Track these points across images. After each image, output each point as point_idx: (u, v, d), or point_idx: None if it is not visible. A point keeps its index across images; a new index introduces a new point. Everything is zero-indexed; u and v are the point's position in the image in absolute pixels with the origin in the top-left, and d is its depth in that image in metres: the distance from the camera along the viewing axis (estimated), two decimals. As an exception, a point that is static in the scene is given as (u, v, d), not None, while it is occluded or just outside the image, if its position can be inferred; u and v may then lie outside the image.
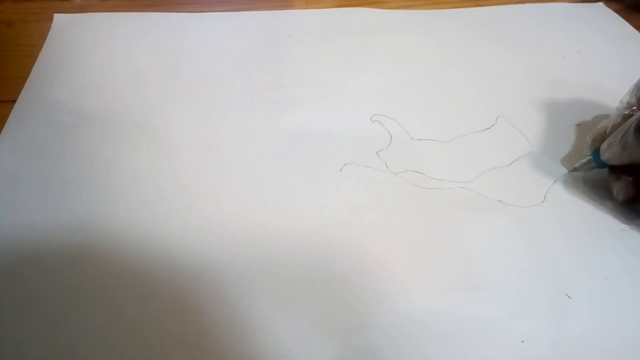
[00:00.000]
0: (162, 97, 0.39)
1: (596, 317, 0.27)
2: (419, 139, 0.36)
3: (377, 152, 0.35)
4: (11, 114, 0.36)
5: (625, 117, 0.31)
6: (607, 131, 0.32)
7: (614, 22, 0.50)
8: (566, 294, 0.28)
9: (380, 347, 0.25)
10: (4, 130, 0.35)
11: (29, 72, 0.40)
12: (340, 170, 0.34)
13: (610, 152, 0.30)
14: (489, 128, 0.38)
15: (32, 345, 0.25)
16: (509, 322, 0.27)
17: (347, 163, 0.34)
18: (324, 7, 0.50)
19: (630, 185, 0.31)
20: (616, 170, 0.32)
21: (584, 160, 0.33)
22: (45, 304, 0.26)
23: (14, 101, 0.38)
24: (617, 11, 0.51)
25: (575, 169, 0.34)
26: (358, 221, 0.31)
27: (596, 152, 0.32)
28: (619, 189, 0.31)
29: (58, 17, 0.46)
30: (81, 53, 0.43)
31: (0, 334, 0.25)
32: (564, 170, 0.34)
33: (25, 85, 0.39)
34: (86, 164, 0.34)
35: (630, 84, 0.33)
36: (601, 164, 0.32)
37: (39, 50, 0.42)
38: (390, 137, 0.36)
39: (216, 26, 0.47)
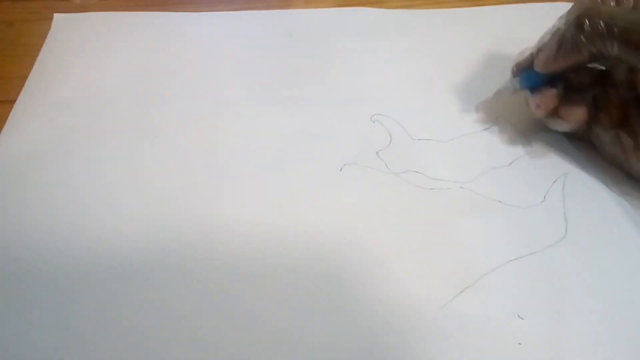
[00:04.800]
0: (162, 96, 0.39)
1: (595, 319, 0.27)
2: (419, 139, 0.36)
3: (377, 152, 0.35)
4: (11, 114, 0.36)
5: (556, 34, 0.29)
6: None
7: (614, 22, 0.50)
8: (565, 296, 0.28)
9: (378, 348, 0.26)
10: (4, 130, 0.35)
11: (29, 72, 0.40)
12: (340, 171, 0.34)
13: (543, 56, 0.29)
14: (488, 128, 0.38)
15: (31, 345, 0.25)
16: (506, 324, 0.27)
17: (347, 163, 0.34)
18: (324, 7, 0.50)
19: (552, 98, 0.29)
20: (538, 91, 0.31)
21: (507, 81, 0.34)
22: (44, 306, 0.26)
23: (14, 101, 0.38)
24: (617, 11, 0.51)
25: (499, 93, 0.35)
26: (358, 221, 0.31)
27: (522, 74, 0.33)
28: (540, 101, 0.30)
29: (58, 17, 0.46)
30: (81, 53, 0.43)
31: None
32: (565, 170, 0.34)
33: (25, 85, 0.39)
34: (86, 164, 0.34)
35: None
36: (526, 84, 0.32)
37: (39, 50, 0.42)
38: (390, 137, 0.36)
39: (216, 26, 0.47)
